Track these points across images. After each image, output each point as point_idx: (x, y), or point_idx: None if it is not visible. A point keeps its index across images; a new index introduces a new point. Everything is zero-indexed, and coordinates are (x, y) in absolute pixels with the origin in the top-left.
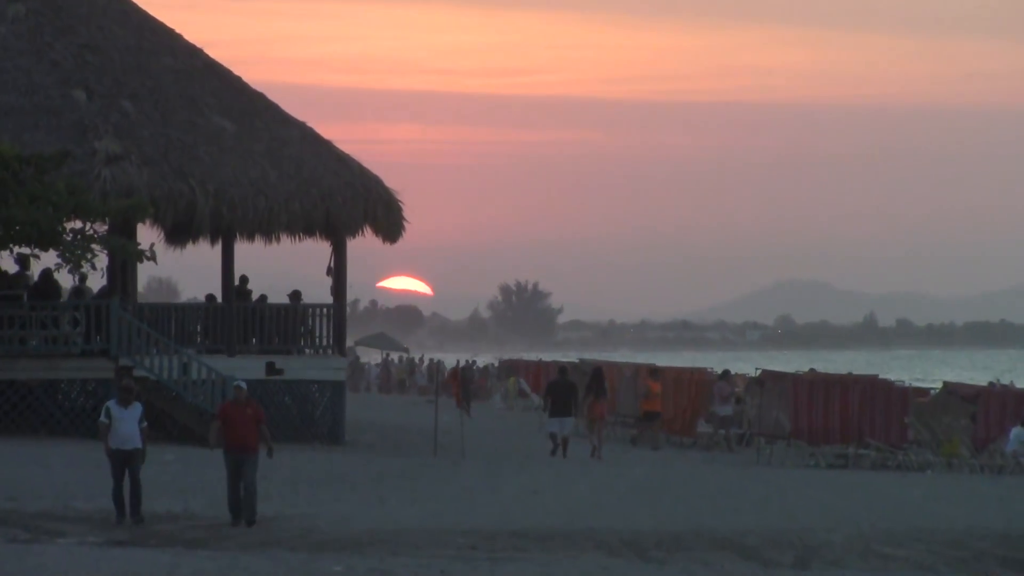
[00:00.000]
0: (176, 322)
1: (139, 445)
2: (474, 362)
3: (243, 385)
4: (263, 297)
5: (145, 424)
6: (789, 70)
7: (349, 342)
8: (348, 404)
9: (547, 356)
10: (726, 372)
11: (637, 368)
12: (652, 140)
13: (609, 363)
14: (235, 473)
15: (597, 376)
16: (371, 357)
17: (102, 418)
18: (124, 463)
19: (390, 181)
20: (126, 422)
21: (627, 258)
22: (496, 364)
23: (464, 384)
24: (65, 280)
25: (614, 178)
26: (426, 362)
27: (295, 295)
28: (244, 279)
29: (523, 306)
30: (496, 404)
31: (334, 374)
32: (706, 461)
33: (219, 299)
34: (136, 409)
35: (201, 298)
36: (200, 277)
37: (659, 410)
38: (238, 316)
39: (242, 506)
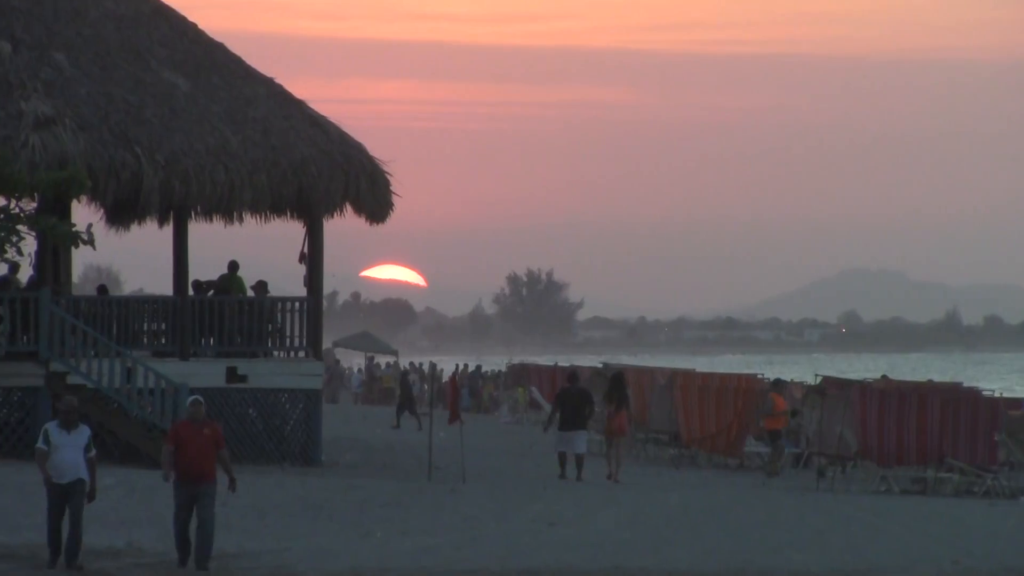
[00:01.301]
0: (119, 319)
1: (83, 476)
2: (479, 367)
3: (201, 400)
4: (221, 288)
5: (93, 453)
6: (858, 18)
7: (326, 343)
8: (325, 417)
9: (564, 359)
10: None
11: (673, 375)
12: (692, 101)
13: (639, 368)
14: (186, 506)
15: (617, 383)
16: (353, 361)
17: (39, 443)
18: (64, 498)
19: (376, 149)
20: (69, 449)
21: (661, 243)
22: (504, 369)
23: (404, 390)
24: None
25: (647, 147)
26: (418, 367)
27: (261, 286)
28: (234, 266)
29: (535, 299)
30: (503, 417)
31: (308, 381)
32: (756, 486)
33: (110, 292)
34: (82, 434)
35: (149, 289)
36: (147, 265)
37: (781, 428)
38: (193, 312)
39: (194, 547)
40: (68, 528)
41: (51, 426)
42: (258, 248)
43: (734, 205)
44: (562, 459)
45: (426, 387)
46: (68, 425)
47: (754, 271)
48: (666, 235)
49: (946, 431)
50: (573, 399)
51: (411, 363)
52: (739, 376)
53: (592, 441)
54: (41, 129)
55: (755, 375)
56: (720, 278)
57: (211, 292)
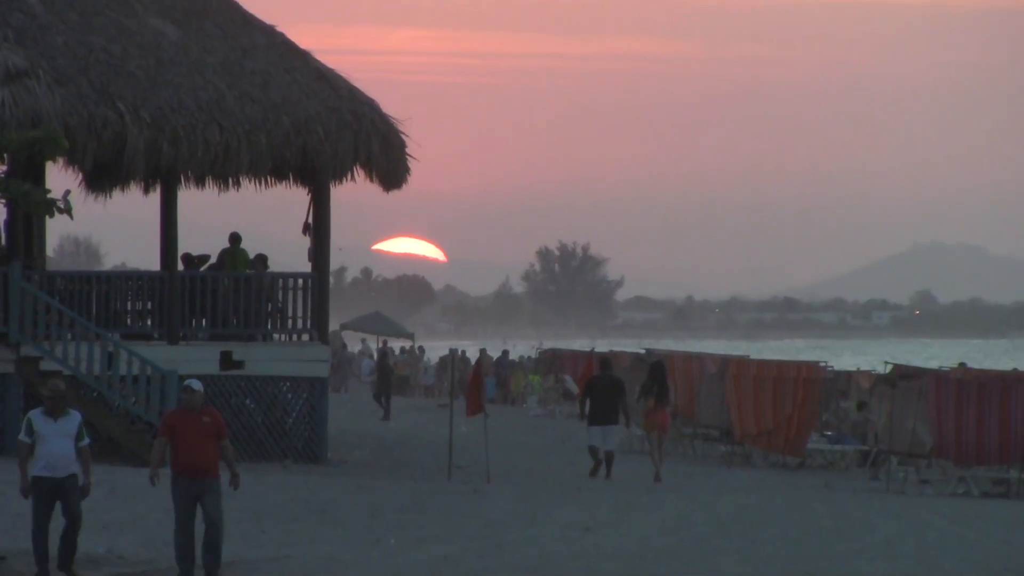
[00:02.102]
0: (99, 297)
1: (75, 471)
2: (505, 352)
3: (197, 386)
4: (218, 263)
5: (87, 442)
6: None
7: (333, 325)
8: (332, 409)
9: (602, 344)
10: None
11: (725, 362)
12: (747, 54)
13: (686, 355)
14: (188, 508)
15: (657, 372)
16: (362, 345)
17: (22, 435)
18: (53, 496)
19: (390, 107)
20: (57, 439)
21: (711, 214)
22: (534, 356)
23: (383, 375)
24: None
25: (695, 106)
26: (435, 353)
27: (260, 261)
28: (236, 238)
29: (569, 277)
30: (532, 409)
31: (313, 368)
32: (817, 487)
33: (92, 268)
34: (71, 420)
35: (133, 264)
36: (131, 236)
37: None
38: (182, 290)
39: (204, 550)
40: (63, 528)
41: (35, 414)
42: (256, 217)
43: (793, 171)
44: (594, 453)
45: (413, 365)
46: (54, 412)
47: (816, 246)
48: (717, 205)
49: None
50: (604, 389)
51: (385, 342)
52: (799, 364)
53: (634, 438)
54: (12, 83)
55: (817, 363)
56: (778, 253)
57: (206, 267)
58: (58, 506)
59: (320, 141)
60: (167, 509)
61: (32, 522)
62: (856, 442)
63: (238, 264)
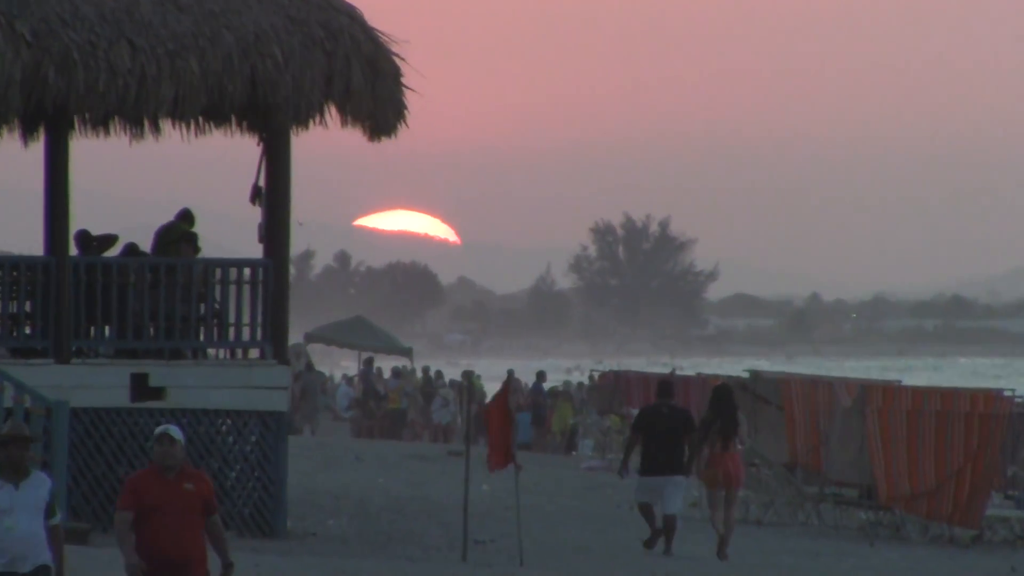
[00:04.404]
0: None
1: (46, 559)
2: (541, 374)
3: (176, 434)
4: (131, 247)
5: (60, 518)
6: None
7: (295, 335)
8: (293, 458)
9: (688, 363)
10: None
11: (865, 391)
12: None
13: (808, 379)
14: None
15: (722, 399)
16: (337, 364)
17: None
18: None
19: (380, 19)
20: (21, 515)
21: (843, 180)
22: (587, 381)
23: (307, 397)
24: None
25: (816, 30)
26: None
27: (186, 241)
28: (187, 216)
29: (640, 264)
30: (585, 456)
31: (266, 398)
32: (1000, 571)
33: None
34: (38, 486)
35: (5, 246)
36: (1, 204)
37: None
38: (77, 285)
39: None
40: None
41: None
42: (185, 179)
43: (961, 121)
44: (648, 513)
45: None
46: (15, 473)
47: (998, 223)
48: (851, 167)
49: None
50: (662, 425)
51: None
52: (973, 393)
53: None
54: None
55: (1000, 391)
56: (941, 237)
57: (112, 251)
58: None
59: (276, 67)
60: None
61: None
62: None
63: (190, 250)
